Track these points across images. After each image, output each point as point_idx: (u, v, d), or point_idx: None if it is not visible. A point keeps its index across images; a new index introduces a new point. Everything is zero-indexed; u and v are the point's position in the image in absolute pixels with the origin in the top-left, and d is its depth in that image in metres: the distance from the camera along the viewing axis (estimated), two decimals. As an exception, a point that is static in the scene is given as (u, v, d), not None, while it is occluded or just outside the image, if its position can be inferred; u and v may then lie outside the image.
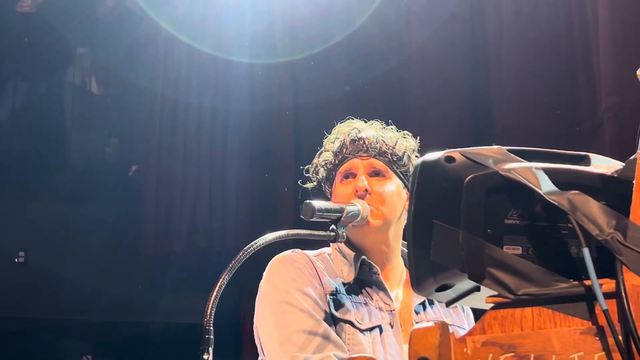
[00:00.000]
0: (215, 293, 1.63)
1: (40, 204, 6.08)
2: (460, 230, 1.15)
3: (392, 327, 2.10)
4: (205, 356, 1.54)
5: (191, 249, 5.61)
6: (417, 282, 1.23)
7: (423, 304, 2.19)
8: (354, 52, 5.20)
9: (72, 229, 6.05)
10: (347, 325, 2.04)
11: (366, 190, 2.14)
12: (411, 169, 2.19)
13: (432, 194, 1.21)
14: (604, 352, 1.06)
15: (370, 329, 2.06)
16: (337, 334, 2.01)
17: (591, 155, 1.28)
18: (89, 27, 6.11)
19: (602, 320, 1.07)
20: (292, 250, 2.17)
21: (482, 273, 1.13)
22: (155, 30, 5.64)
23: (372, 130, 2.24)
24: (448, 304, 1.26)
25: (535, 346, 1.09)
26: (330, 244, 2.17)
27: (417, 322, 2.14)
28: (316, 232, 2.04)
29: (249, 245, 1.80)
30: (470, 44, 4.96)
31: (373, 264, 2.16)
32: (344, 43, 5.17)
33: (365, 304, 2.11)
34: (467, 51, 4.96)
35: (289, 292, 2.05)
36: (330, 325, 2.02)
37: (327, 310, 2.04)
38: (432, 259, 1.18)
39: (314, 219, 1.99)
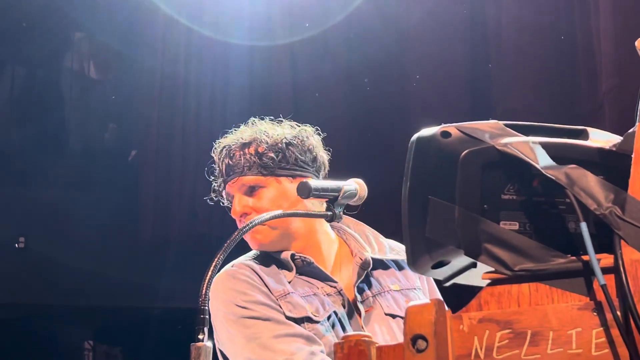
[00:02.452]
0: (210, 273, 1.61)
1: (40, 189, 6.08)
2: (456, 206, 1.13)
3: (344, 307, 2.10)
4: (200, 336, 1.53)
5: (191, 234, 5.61)
6: (412, 259, 1.21)
7: (365, 280, 2.16)
8: (351, 33, 5.17)
9: (72, 214, 6.06)
10: (305, 322, 2.03)
11: (244, 213, 2.14)
12: (289, 155, 2.16)
13: (427, 169, 1.19)
14: (602, 328, 1.05)
15: (328, 318, 2.06)
16: None
17: (589, 129, 1.26)
18: (87, 11, 6.09)
19: (600, 296, 1.06)
20: (230, 264, 2.15)
21: (478, 249, 1.12)
22: (154, 14, 5.62)
23: (239, 142, 2.20)
24: (444, 281, 1.25)
25: (533, 322, 1.08)
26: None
27: (361, 301, 2.12)
28: (313, 212, 2.02)
29: (244, 225, 1.79)
30: (470, 26, 4.93)
31: (303, 255, 2.15)
32: (342, 24, 5.14)
33: (315, 294, 2.10)
34: (466, 33, 4.93)
35: (246, 306, 2.04)
36: None
37: (284, 314, 2.03)
38: (428, 235, 1.16)
39: (311, 199, 1.97)
